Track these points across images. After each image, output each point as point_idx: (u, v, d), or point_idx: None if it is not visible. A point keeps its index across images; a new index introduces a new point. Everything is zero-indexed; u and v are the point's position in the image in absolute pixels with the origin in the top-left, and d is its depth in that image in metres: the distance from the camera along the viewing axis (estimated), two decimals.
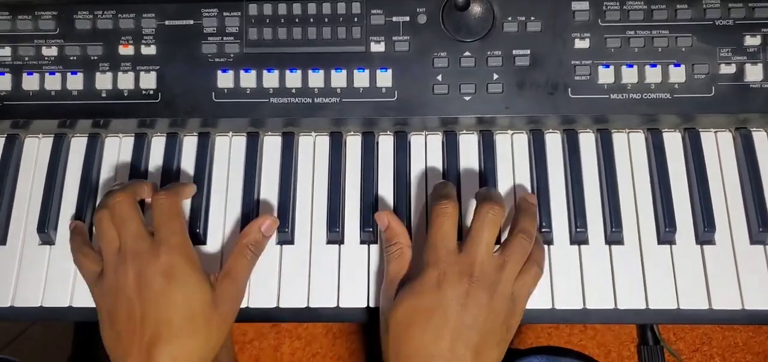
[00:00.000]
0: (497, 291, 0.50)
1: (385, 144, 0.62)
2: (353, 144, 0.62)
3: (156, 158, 0.62)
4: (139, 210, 0.54)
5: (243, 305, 0.57)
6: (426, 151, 0.62)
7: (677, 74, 0.58)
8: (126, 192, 0.54)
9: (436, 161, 0.61)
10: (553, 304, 0.56)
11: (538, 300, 0.56)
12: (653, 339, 1.20)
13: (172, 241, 0.52)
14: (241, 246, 0.55)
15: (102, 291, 0.53)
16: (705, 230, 0.57)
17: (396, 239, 0.55)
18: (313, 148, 0.62)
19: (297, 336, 1.22)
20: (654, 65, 0.59)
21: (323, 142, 0.62)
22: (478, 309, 0.49)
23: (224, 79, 0.60)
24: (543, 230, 0.58)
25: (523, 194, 0.58)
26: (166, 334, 0.50)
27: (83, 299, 0.58)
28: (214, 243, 0.59)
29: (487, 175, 0.60)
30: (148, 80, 0.60)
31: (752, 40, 0.58)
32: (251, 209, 0.59)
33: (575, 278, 0.57)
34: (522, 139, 0.62)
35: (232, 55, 0.60)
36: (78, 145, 0.62)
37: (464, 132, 0.62)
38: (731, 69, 0.58)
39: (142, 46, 0.60)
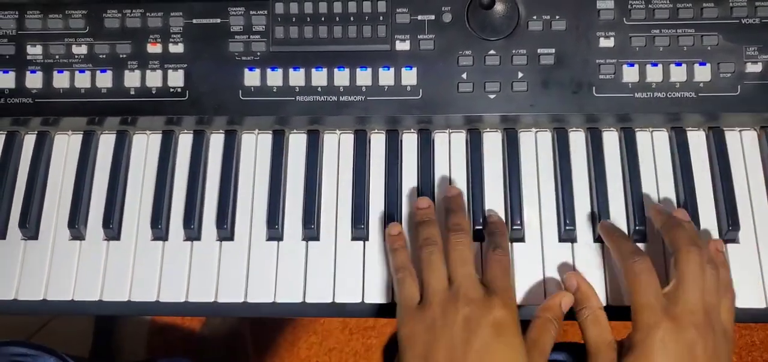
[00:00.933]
0: (716, 332, 0.49)
1: (409, 142, 0.62)
2: (377, 142, 0.62)
3: (183, 156, 0.63)
4: (475, 257, 0.54)
5: (269, 299, 0.58)
6: (450, 148, 0.62)
7: (702, 73, 0.59)
8: (467, 233, 0.54)
9: (460, 159, 0.62)
10: None
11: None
12: None
13: (507, 299, 0.51)
14: (544, 320, 0.53)
15: (419, 322, 0.50)
16: (729, 229, 0.57)
17: (586, 302, 0.53)
18: (338, 146, 0.63)
19: (313, 330, 1.23)
20: (679, 64, 0.59)
21: (348, 139, 0.63)
22: (703, 357, 0.48)
23: (251, 77, 0.61)
24: (567, 228, 0.58)
25: (679, 215, 0.55)
26: None
27: (112, 293, 0.59)
28: (241, 240, 0.60)
29: (510, 173, 0.60)
30: (176, 78, 0.61)
31: None
32: (278, 207, 0.60)
33: (599, 275, 0.57)
34: (546, 137, 0.62)
35: (258, 54, 0.61)
36: (106, 142, 0.63)
37: (488, 130, 0.62)
38: (757, 67, 0.58)
39: (170, 45, 0.61)
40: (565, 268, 0.57)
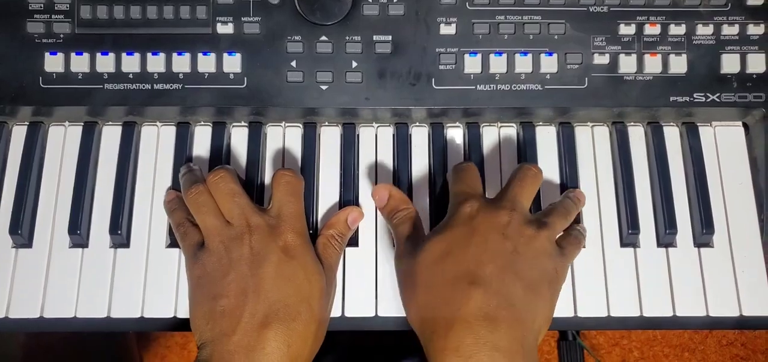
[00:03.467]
0: (541, 231, 0.47)
1: (239, 135, 0.56)
2: (202, 135, 0.56)
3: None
4: (242, 188, 0.50)
5: (69, 315, 0.51)
6: (284, 143, 0.57)
7: (549, 64, 0.54)
8: (226, 169, 0.50)
9: (295, 155, 0.56)
10: None
11: None
12: (572, 335, 1.18)
13: (297, 223, 0.48)
14: (327, 236, 0.51)
15: (206, 263, 0.47)
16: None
17: (401, 206, 0.52)
18: (157, 140, 0.56)
19: None
20: (525, 54, 0.55)
21: (169, 133, 0.56)
22: (522, 238, 0.46)
23: (52, 62, 0.54)
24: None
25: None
26: (282, 315, 0.44)
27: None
28: (41, 248, 0.53)
29: (346, 171, 0.55)
30: None
31: (627, 29, 0.55)
32: (81, 210, 0.53)
33: None
34: (387, 133, 0.57)
35: (61, 36, 0.54)
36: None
37: (326, 124, 0.57)
38: (605, 59, 0.55)
39: None
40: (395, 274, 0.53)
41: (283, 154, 0.56)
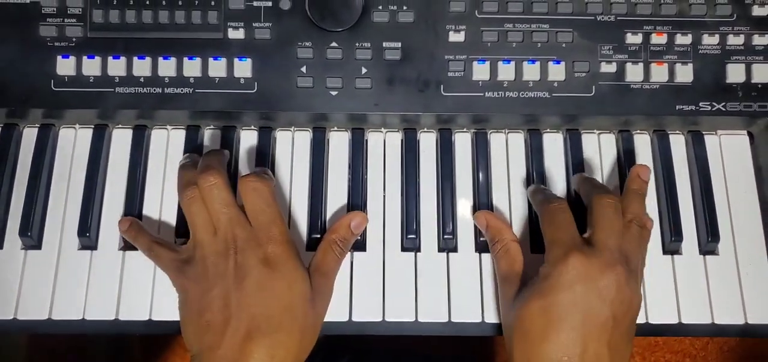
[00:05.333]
0: (635, 290, 0.46)
1: (248, 140, 0.57)
2: (212, 139, 0.57)
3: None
4: (232, 195, 0.49)
5: (77, 317, 0.52)
6: (292, 148, 0.57)
7: (557, 72, 0.55)
8: (219, 173, 0.49)
9: (304, 160, 0.57)
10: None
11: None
12: None
13: (274, 230, 0.48)
14: (330, 241, 0.51)
15: (190, 278, 0.47)
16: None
17: (498, 236, 0.51)
18: (167, 143, 0.57)
19: None
20: (533, 61, 0.55)
21: (178, 136, 0.57)
22: (622, 305, 0.45)
23: (64, 66, 0.54)
24: (409, 236, 0.54)
25: (635, 174, 0.52)
26: (264, 327, 0.45)
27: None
28: (50, 250, 0.53)
29: (354, 176, 0.55)
30: None
31: (633, 38, 0.55)
32: (91, 212, 0.54)
33: (443, 286, 0.53)
34: (395, 139, 0.57)
35: (74, 40, 0.54)
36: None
37: (335, 129, 0.57)
38: (612, 68, 0.55)
39: None
40: (402, 279, 0.53)
41: (291, 159, 0.57)
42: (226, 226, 0.48)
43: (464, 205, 0.55)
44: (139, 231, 0.52)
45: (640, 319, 0.52)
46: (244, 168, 0.56)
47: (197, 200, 0.49)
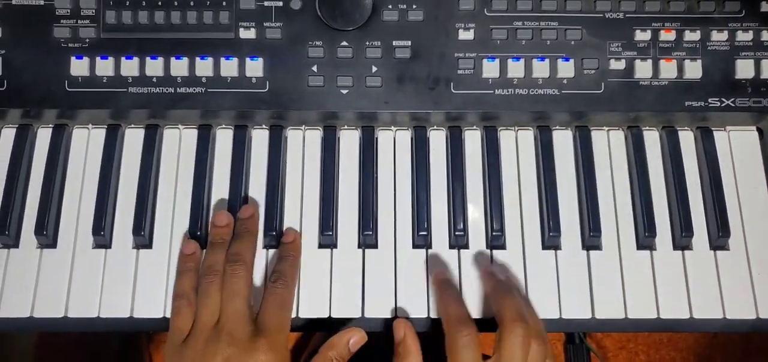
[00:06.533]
0: None
1: (259, 139, 0.57)
2: (224, 137, 0.57)
3: (3, 152, 0.56)
4: (250, 290, 0.50)
5: (93, 314, 0.52)
6: (304, 146, 0.57)
7: (566, 69, 0.55)
8: (246, 265, 0.49)
9: (315, 158, 0.57)
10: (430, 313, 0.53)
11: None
12: (579, 338, 1.19)
13: (277, 339, 0.47)
14: (326, 357, 0.49)
15: (180, 357, 0.47)
16: (591, 235, 0.54)
17: (406, 358, 0.49)
18: (179, 142, 0.57)
19: None
20: (542, 59, 0.55)
21: (190, 135, 0.57)
22: None
23: (78, 66, 0.55)
24: (421, 233, 0.54)
25: (510, 278, 0.52)
26: None
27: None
28: (65, 249, 0.54)
29: (365, 173, 0.56)
30: None
31: (642, 35, 0.55)
32: (105, 211, 0.54)
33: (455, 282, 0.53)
34: (405, 137, 0.58)
35: (87, 41, 0.55)
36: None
37: (345, 127, 0.58)
38: (621, 65, 0.55)
39: None
40: (414, 276, 0.53)
41: (303, 157, 0.57)
42: (228, 317, 0.47)
43: (475, 202, 0.56)
44: (191, 270, 0.51)
45: (651, 315, 0.52)
46: (255, 169, 0.56)
47: (215, 292, 0.49)
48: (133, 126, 0.57)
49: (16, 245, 0.54)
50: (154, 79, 0.55)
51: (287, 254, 0.52)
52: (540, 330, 0.48)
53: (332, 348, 0.49)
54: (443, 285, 0.51)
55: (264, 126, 0.58)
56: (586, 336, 1.19)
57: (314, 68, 0.55)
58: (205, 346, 0.46)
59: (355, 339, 0.49)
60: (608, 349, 1.22)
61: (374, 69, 0.55)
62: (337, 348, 0.49)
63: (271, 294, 0.49)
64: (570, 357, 1.19)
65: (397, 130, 0.58)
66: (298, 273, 0.53)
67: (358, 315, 0.52)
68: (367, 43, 0.55)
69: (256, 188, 0.56)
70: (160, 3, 0.55)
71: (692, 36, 0.55)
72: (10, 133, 0.57)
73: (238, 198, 0.55)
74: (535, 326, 0.48)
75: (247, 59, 0.55)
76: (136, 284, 0.53)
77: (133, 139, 0.57)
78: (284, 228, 0.54)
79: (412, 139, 0.57)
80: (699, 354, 1.21)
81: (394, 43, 0.55)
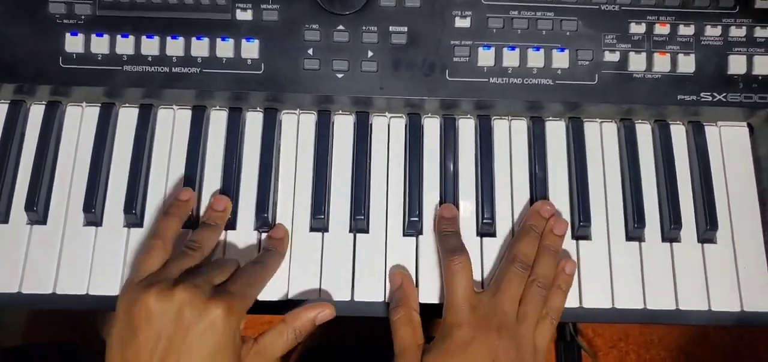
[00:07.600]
0: (522, 345, 0.48)
1: (254, 121, 0.57)
2: (217, 119, 0.57)
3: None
4: None
5: (82, 292, 0.52)
6: (298, 130, 0.57)
7: (561, 59, 0.56)
8: (203, 256, 0.49)
9: (309, 142, 0.57)
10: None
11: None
12: (570, 335, 1.19)
13: (236, 305, 0.45)
14: (286, 327, 0.48)
15: (133, 302, 0.45)
16: (580, 225, 0.54)
17: (405, 302, 0.50)
18: (173, 122, 0.57)
19: None
20: (537, 48, 0.56)
21: (184, 116, 0.57)
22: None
23: (73, 43, 0.55)
24: (412, 219, 0.54)
25: (549, 229, 0.53)
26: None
27: None
28: (55, 226, 0.54)
29: (358, 159, 0.56)
30: None
31: (637, 28, 0.56)
32: (96, 189, 0.54)
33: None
34: (399, 124, 0.58)
35: (82, 17, 0.55)
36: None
37: (340, 112, 0.58)
38: (615, 56, 0.56)
39: None
40: (404, 262, 0.53)
41: (296, 141, 0.57)
42: (195, 277, 0.46)
43: (467, 191, 0.56)
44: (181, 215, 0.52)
45: (638, 305, 0.53)
46: (249, 149, 0.56)
47: (194, 258, 0.49)
48: (127, 105, 0.57)
49: (5, 221, 0.54)
50: (150, 58, 0.55)
51: (273, 248, 0.52)
52: (544, 275, 0.51)
53: (295, 320, 0.48)
54: (444, 222, 0.53)
55: (258, 109, 0.58)
56: (577, 334, 1.19)
57: (310, 51, 0.55)
58: (164, 288, 0.44)
59: (324, 314, 0.49)
60: (599, 348, 1.23)
61: (370, 54, 0.55)
62: (298, 320, 0.48)
63: (244, 269, 0.49)
64: (561, 355, 1.19)
65: (391, 116, 0.58)
66: (278, 267, 0.52)
67: (347, 298, 0.53)
68: (364, 28, 0.55)
69: (249, 170, 0.56)
70: None
71: (686, 30, 0.56)
72: (2, 108, 0.56)
73: (231, 179, 0.55)
74: (542, 273, 0.51)
75: (243, 40, 0.55)
76: (126, 262, 0.53)
77: (127, 118, 0.57)
78: (277, 221, 0.54)
79: (406, 125, 0.57)
80: (689, 353, 1.21)
81: (391, 28, 0.55)
